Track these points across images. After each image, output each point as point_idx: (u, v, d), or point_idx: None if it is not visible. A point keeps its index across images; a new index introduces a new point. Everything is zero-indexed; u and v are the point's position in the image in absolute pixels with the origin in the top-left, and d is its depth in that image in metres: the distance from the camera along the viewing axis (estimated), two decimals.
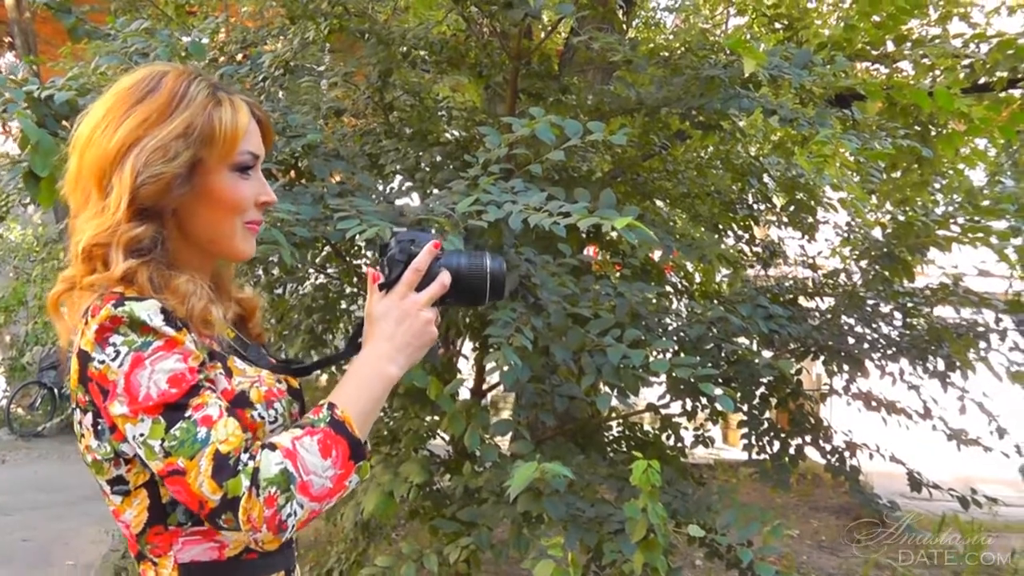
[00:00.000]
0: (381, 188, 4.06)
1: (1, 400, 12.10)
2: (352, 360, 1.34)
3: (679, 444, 4.25)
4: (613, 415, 4.44)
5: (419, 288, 1.33)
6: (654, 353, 3.04)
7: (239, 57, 4.30)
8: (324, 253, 4.36)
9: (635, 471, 2.53)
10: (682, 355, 3.13)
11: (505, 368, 2.86)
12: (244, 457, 1.13)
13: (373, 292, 1.36)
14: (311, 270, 4.67)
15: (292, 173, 3.62)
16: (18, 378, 12.33)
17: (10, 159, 3.22)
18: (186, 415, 1.14)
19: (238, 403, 1.24)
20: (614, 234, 4.44)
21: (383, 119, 4.67)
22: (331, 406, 1.22)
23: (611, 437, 4.46)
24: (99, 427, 1.23)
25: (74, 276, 1.25)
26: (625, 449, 4.28)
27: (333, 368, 3.74)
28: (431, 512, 3.71)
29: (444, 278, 1.33)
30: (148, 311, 1.17)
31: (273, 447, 1.15)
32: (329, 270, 4.74)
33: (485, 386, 4.24)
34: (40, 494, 8.02)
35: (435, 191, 3.54)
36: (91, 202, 1.26)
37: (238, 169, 1.31)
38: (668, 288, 4.59)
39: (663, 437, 4.29)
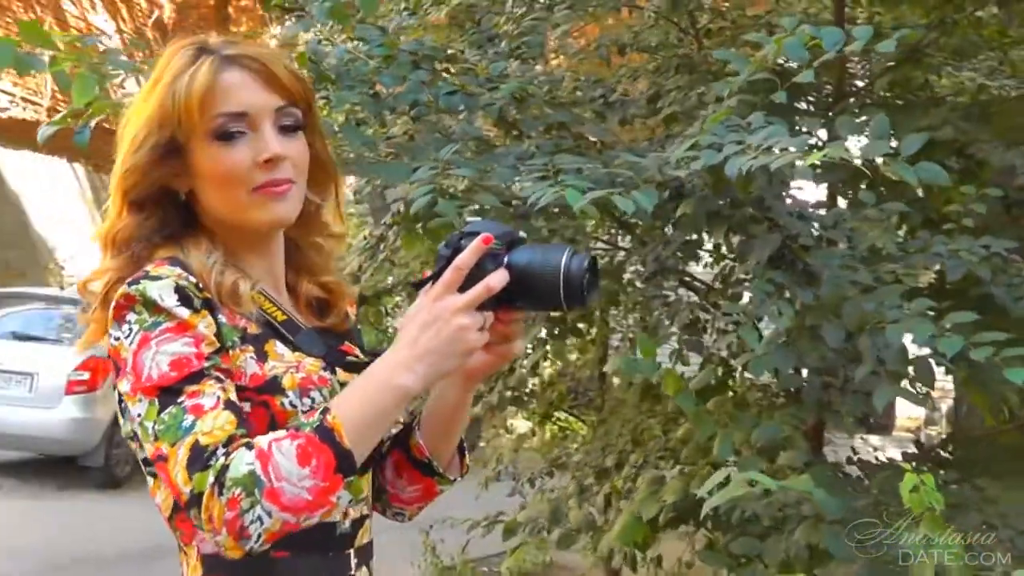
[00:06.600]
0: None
1: None
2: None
3: None
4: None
5: (462, 289, 1.38)
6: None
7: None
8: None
9: (903, 488, 2.37)
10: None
11: (760, 353, 2.84)
12: (219, 452, 1.29)
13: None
14: None
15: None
16: None
17: None
18: (178, 400, 1.33)
19: (268, 389, 1.42)
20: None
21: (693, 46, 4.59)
22: (324, 411, 1.34)
23: None
24: (122, 405, 1.42)
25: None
26: None
27: None
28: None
29: (493, 279, 1.37)
30: (160, 290, 1.37)
31: (251, 446, 1.30)
32: None
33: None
34: None
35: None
36: None
37: (219, 137, 1.46)
38: None
39: None
